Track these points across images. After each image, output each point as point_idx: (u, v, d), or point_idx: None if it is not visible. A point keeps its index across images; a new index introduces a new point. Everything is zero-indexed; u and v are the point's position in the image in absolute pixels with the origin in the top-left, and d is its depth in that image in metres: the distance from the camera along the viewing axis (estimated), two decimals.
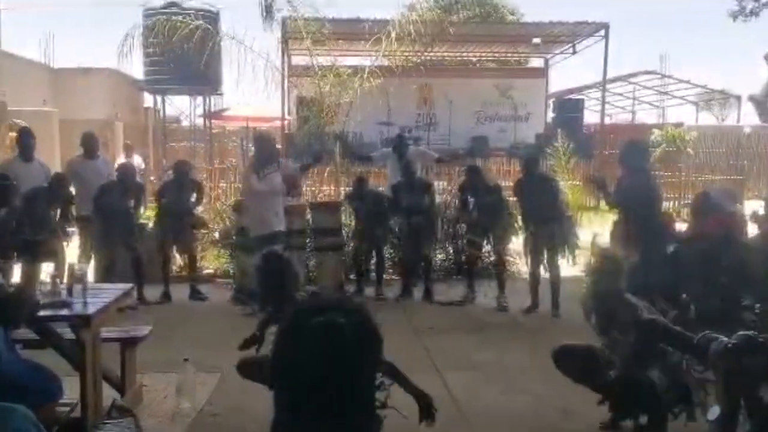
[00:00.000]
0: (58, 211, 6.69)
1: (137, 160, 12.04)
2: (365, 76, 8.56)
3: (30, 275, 5.94)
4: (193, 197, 7.40)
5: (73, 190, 7.00)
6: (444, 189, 9.63)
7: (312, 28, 8.63)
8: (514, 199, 7.16)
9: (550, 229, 6.66)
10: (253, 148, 6.93)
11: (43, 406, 2.87)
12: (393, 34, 8.39)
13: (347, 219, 7.92)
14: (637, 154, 6.28)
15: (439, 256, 8.14)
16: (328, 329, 1.36)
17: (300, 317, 1.43)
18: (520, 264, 7.87)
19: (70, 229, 6.86)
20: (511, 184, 7.94)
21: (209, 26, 8.84)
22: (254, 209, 6.55)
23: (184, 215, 7.22)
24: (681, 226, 6.52)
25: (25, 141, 7.01)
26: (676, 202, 12.88)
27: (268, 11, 8.61)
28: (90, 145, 7.33)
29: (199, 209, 7.59)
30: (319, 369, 1.35)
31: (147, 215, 8.07)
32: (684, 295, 5.34)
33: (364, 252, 7.45)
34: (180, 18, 8.33)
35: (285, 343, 1.44)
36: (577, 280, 5.74)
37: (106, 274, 6.55)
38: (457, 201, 7.85)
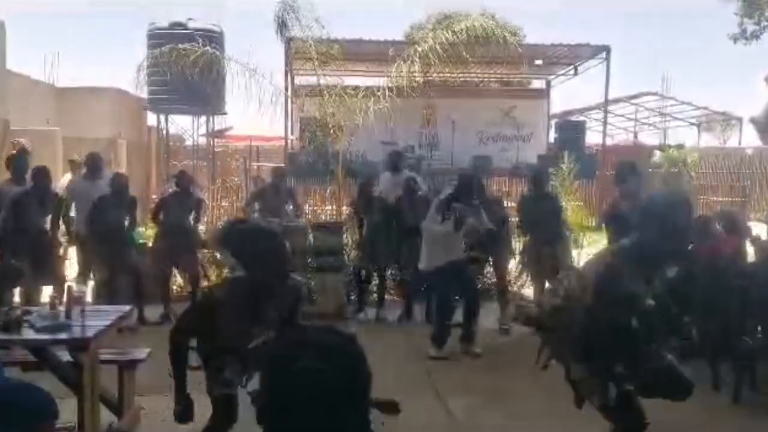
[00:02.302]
0: (48, 218, 6.42)
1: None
2: (378, 97, 8.58)
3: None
4: (192, 215, 7.28)
5: (73, 211, 6.95)
6: None
7: (319, 49, 8.68)
8: (517, 217, 7.13)
9: (553, 248, 6.62)
10: None
11: (37, 427, 2.82)
12: (416, 55, 8.47)
13: (349, 238, 7.90)
14: (631, 175, 6.17)
15: None
16: (308, 375, 1.29)
17: (280, 360, 1.36)
18: (517, 286, 7.81)
19: (63, 239, 6.73)
20: (513, 204, 7.90)
21: (214, 50, 8.90)
22: None
23: (184, 233, 7.10)
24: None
25: (18, 164, 6.80)
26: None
27: (281, 30, 8.65)
28: (94, 165, 7.26)
29: (200, 227, 7.50)
30: (301, 414, 1.30)
31: (148, 234, 8.02)
32: (685, 319, 5.32)
33: (367, 272, 7.42)
34: (187, 46, 8.40)
35: (266, 385, 1.38)
36: None
37: (105, 294, 6.50)
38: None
